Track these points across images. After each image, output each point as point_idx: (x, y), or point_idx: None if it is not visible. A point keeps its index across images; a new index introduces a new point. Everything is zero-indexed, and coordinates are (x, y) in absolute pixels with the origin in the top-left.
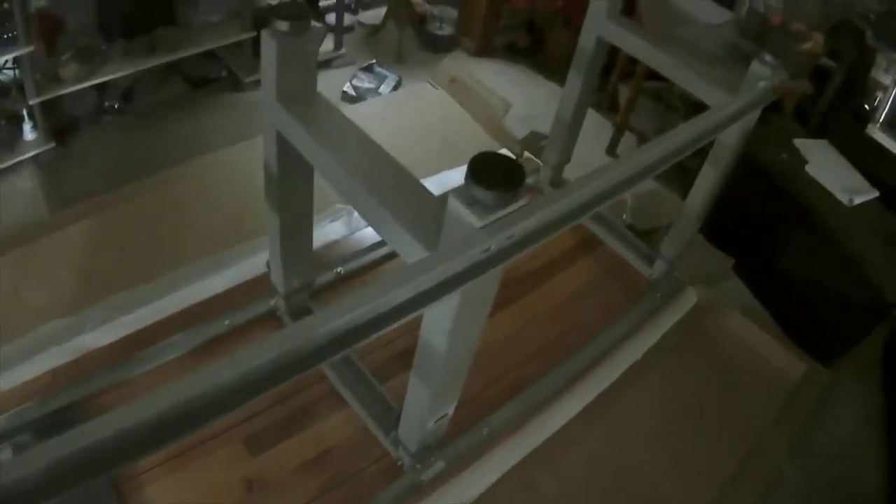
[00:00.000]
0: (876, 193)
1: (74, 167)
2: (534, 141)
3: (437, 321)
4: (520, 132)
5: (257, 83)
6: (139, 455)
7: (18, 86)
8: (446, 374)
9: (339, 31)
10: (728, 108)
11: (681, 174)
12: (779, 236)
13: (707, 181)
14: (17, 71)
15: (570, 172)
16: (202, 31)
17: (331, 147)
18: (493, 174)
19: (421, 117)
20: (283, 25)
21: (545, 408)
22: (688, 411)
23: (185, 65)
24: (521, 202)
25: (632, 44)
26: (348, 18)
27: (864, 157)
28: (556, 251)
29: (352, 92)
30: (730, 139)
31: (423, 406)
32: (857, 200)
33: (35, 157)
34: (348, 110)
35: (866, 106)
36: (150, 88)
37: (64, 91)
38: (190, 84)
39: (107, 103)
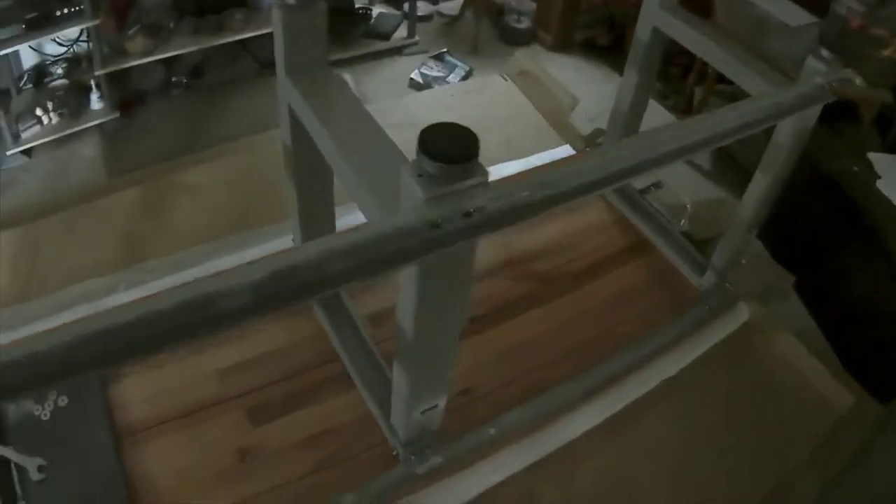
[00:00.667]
0: None
1: (136, 137)
2: (597, 137)
3: (404, 301)
4: (586, 129)
5: None
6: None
7: (89, 58)
8: (423, 360)
9: (412, 18)
10: (771, 98)
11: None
12: (843, 256)
13: (760, 186)
14: (89, 43)
15: None
16: (271, 13)
17: (324, 117)
18: (446, 146)
19: (485, 108)
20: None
21: (561, 416)
22: (716, 437)
23: (257, 45)
24: (478, 179)
25: (687, 36)
26: (427, 7)
27: None
28: (602, 253)
29: (419, 79)
30: (783, 138)
31: (404, 394)
32: None
33: (99, 126)
34: (413, 97)
35: None
36: (220, 66)
37: (129, 64)
38: (259, 64)
39: (174, 78)
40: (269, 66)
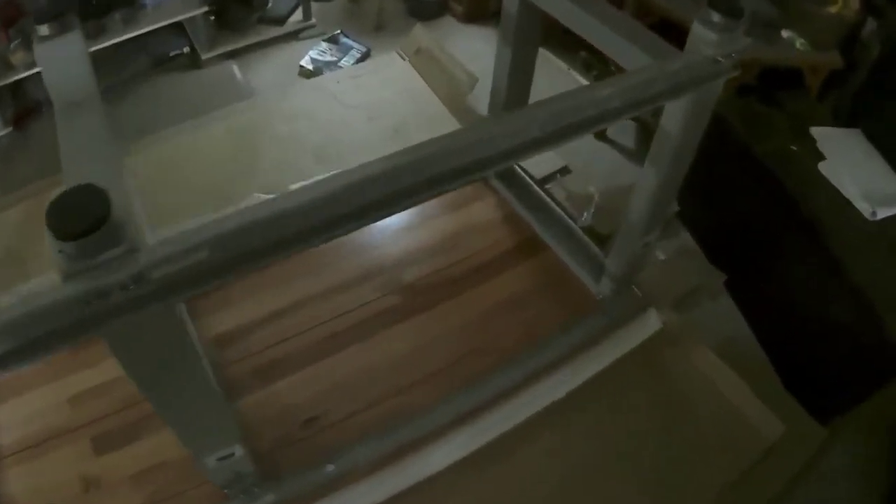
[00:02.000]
0: None
1: (27, 151)
2: None
3: None
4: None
5: (215, 60)
6: None
7: None
8: (182, 421)
9: (305, 1)
10: (634, 78)
11: None
12: (779, 252)
13: (650, 182)
14: None
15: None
16: (155, 10)
17: None
18: (70, 218)
19: (375, 93)
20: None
21: (423, 446)
22: (610, 471)
23: (152, 43)
24: (121, 249)
25: (556, 6)
26: None
27: None
28: (486, 256)
29: (309, 66)
30: (671, 125)
31: (192, 446)
32: (883, 213)
33: None
34: (300, 85)
35: None
36: (114, 69)
37: (15, 77)
38: (152, 62)
39: None
40: (161, 62)
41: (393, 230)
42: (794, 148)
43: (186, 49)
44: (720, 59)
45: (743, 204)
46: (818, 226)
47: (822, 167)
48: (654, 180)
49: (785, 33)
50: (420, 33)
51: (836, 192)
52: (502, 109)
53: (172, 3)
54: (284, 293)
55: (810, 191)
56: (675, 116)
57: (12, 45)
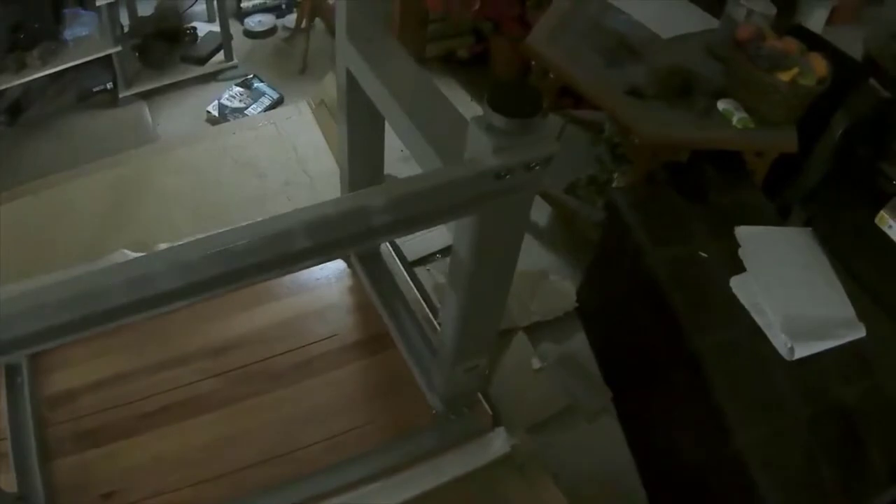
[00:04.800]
0: (861, 333)
1: None
2: None
3: (458, 251)
4: (396, 170)
5: (131, 98)
6: None
7: None
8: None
9: (226, 41)
10: (397, 190)
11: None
12: (664, 384)
13: (450, 309)
14: None
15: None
16: (76, 46)
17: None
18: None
19: (273, 147)
20: None
21: None
22: None
23: (80, 76)
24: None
25: (369, 84)
26: (270, 20)
27: (868, 262)
28: (323, 347)
29: (215, 112)
30: (461, 247)
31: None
32: (803, 351)
33: None
34: (198, 136)
35: (891, 177)
36: (43, 100)
37: None
38: (77, 96)
39: None
40: (84, 98)
41: (230, 306)
42: (705, 255)
43: (109, 85)
44: (504, 174)
45: (634, 318)
46: (704, 367)
47: (736, 282)
48: (454, 308)
49: (722, 104)
50: (328, 84)
51: (747, 318)
52: (349, 189)
53: (92, 40)
54: (116, 361)
55: (704, 315)
56: (463, 237)
57: None
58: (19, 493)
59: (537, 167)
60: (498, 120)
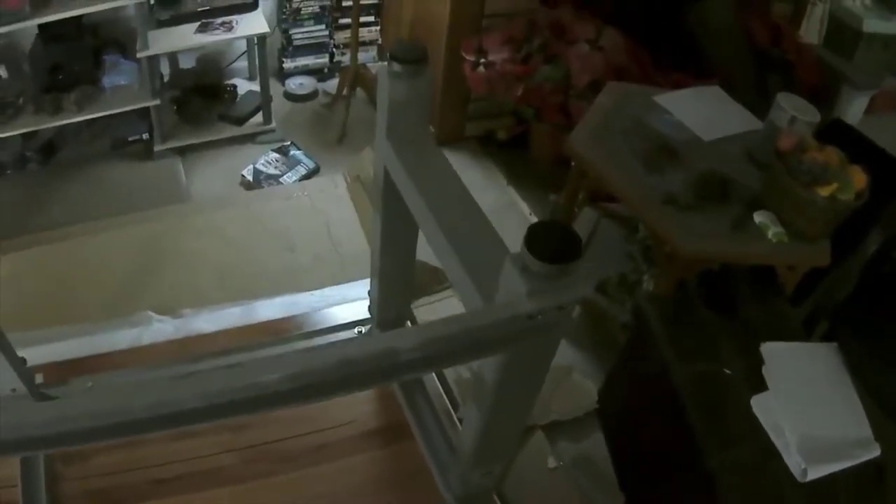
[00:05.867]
0: (876, 452)
1: None
2: (422, 275)
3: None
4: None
5: (166, 153)
6: None
7: None
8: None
9: (265, 104)
10: (432, 332)
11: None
12: (674, 490)
13: (471, 423)
14: None
15: None
16: (114, 94)
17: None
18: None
19: (304, 220)
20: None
21: None
22: None
23: (116, 124)
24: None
25: (404, 186)
26: (311, 84)
27: (890, 380)
28: (340, 433)
29: (249, 177)
30: (488, 376)
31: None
32: (816, 472)
33: None
34: (230, 200)
35: None
36: (77, 143)
37: None
38: (112, 143)
39: (27, 153)
40: (119, 146)
41: None
42: (729, 372)
43: (145, 136)
44: (537, 315)
45: (652, 426)
46: (717, 485)
47: (757, 401)
48: (476, 420)
49: (758, 217)
50: (366, 160)
51: (764, 438)
52: (378, 277)
53: (130, 90)
54: None
55: (722, 433)
56: (489, 368)
57: None
58: None
59: (569, 307)
60: (534, 264)
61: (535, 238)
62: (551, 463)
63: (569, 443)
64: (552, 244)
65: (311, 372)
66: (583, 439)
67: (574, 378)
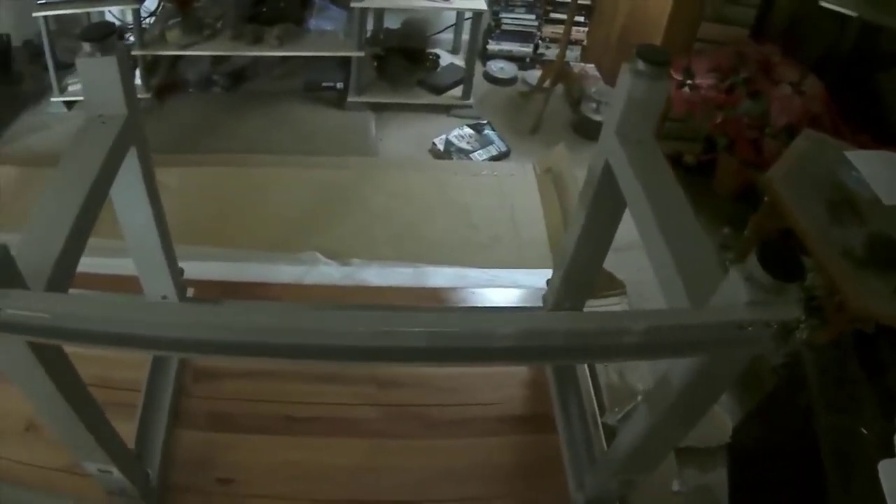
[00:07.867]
0: None
1: (155, 123)
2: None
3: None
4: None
5: (359, 105)
6: None
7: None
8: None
9: (468, 79)
10: (635, 323)
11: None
12: None
13: (636, 424)
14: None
15: None
16: (318, 38)
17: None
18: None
19: (490, 199)
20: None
21: None
22: None
23: (313, 68)
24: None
25: (625, 181)
26: (512, 70)
27: None
28: (485, 411)
29: (440, 146)
30: (674, 379)
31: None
32: None
33: None
34: (420, 163)
35: None
36: (267, 77)
37: (163, 52)
38: (305, 85)
39: (215, 76)
40: (311, 89)
41: None
42: (866, 431)
43: (340, 85)
44: (747, 326)
45: (779, 471)
46: None
47: (884, 466)
48: (641, 426)
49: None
50: (559, 154)
51: (882, 501)
52: (562, 271)
53: (335, 37)
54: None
55: (847, 486)
56: (679, 371)
57: (170, 23)
58: (136, 451)
59: (774, 328)
60: (762, 276)
61: (767, 251)
62: (675, 486)
63: (695, 471)
64: (780, 260)
65: (542, 333)
66: (709, 470)
67: (714, 410)
